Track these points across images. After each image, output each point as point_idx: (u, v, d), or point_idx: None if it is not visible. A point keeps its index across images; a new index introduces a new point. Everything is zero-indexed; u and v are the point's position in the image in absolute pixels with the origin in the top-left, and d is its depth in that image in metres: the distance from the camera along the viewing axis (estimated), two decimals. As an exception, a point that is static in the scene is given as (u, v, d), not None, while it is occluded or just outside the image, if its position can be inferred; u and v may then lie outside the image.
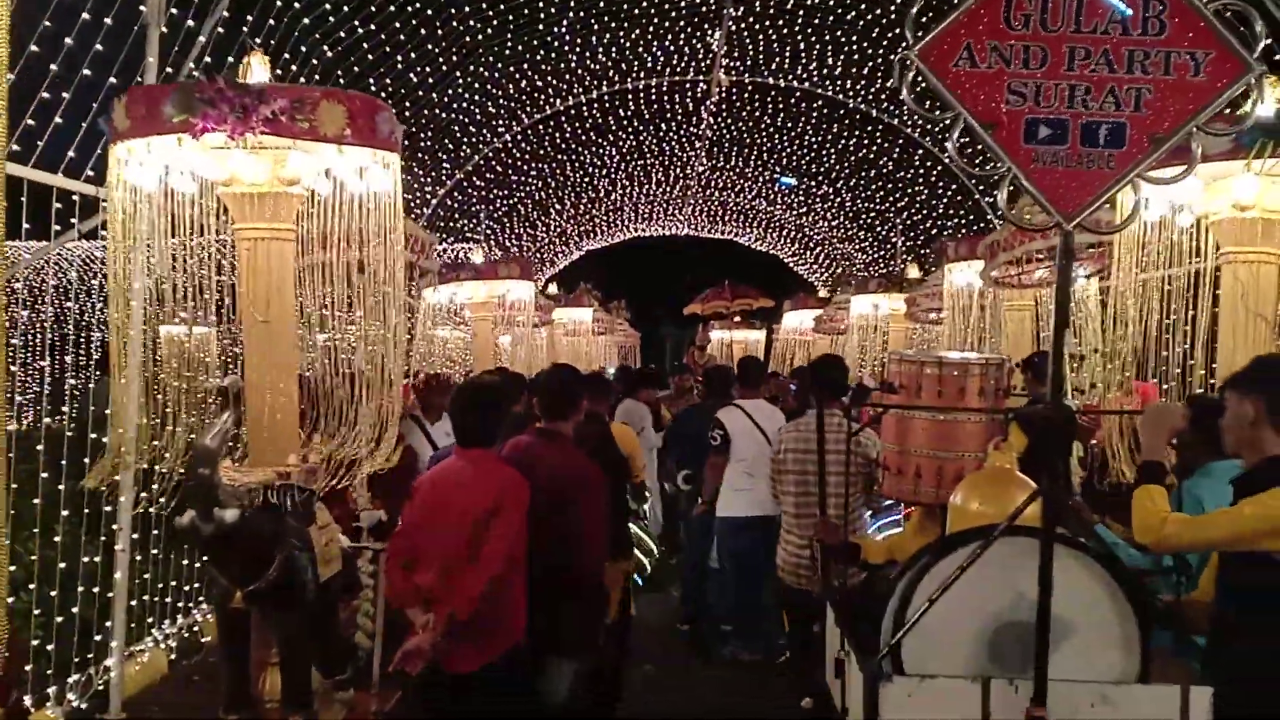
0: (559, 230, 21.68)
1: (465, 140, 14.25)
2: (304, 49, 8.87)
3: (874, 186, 17.99)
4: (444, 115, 12.97)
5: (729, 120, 17.22)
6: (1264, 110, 4.33)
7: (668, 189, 21.46)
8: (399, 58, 11.25)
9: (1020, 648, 2.66)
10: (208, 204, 4.80)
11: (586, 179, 19.08)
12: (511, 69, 12.93)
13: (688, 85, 15.62)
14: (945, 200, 16.22)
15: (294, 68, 8.67)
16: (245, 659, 4.68)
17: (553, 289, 17.29)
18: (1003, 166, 2.78)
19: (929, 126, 14.85)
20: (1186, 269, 4.92)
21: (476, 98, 13.15)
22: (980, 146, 2.84)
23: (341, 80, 9.43)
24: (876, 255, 20.33)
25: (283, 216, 4.69)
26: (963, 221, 15.70)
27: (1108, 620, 2.70)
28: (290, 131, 4.20)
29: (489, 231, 16.88)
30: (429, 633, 3.74)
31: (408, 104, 11.98)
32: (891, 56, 13.56)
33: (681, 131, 17.65)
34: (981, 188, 14.95)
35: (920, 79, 2.81)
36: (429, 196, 14.73)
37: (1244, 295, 4.59)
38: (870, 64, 14.07)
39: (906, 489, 3.80)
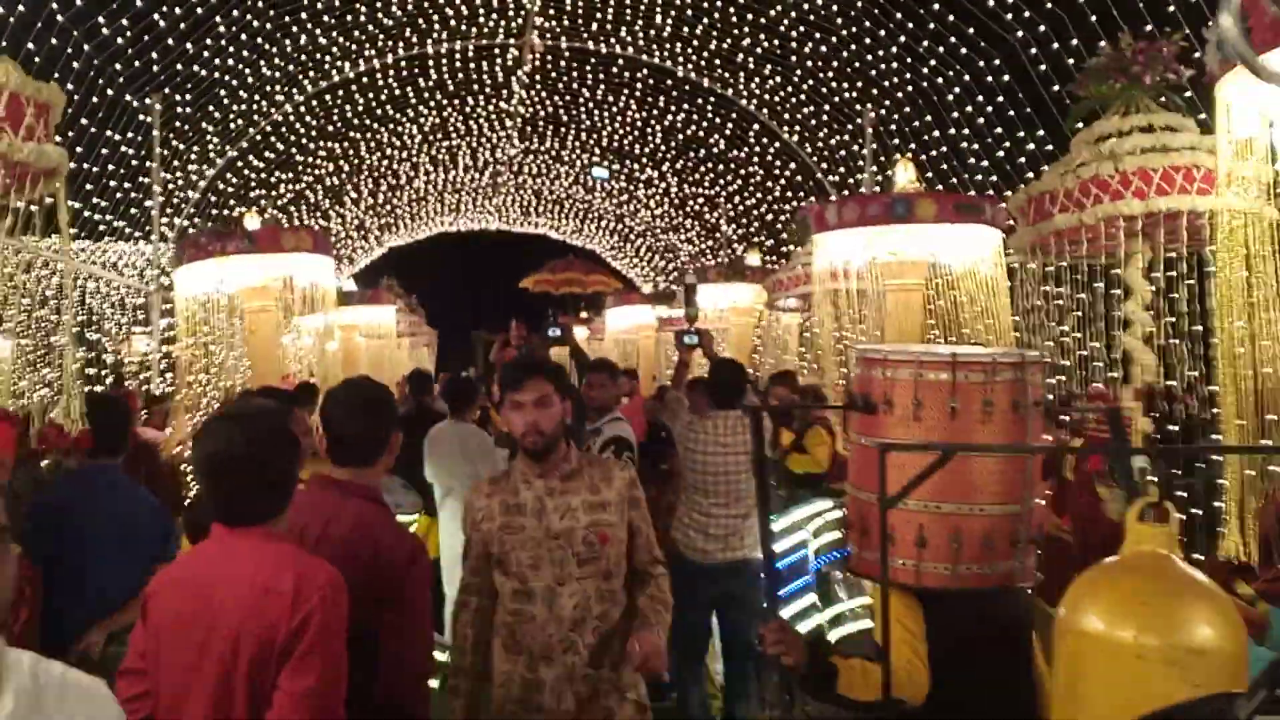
0: (356, 223, 19.31)
1: (235, 109, 11.95)
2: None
3: (703, 168, 16.64)
4: (204, 73, 10.67)
5: (543, 94, 15.47)
6: None
7: (476, 175, 19.48)
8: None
9: None
10: None
11: (385, 161, 16.88)
12: (286, 19, 10.77)
13: (497, 51, 13.79)
14: (784, 181, 14.98)
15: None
16: None
17: (350, 287, 14.99)
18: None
19: (768, 97, 13.61)
20: None
21: (245, 53, 10.91)
22: None
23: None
24: (705, 246, 19.06)
25: None
26: (803, 205, 14.50)
27: None
28: None
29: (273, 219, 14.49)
30: None
31: (154, 54, 9.71)
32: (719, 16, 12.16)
33: (491, 107, 15.76)
34: (825, 165, 13.78)
35: None
36: (195, 178, 12.34)
37: None
38: (702, 24, 12.63)
39: (909, 570, 2.23)
